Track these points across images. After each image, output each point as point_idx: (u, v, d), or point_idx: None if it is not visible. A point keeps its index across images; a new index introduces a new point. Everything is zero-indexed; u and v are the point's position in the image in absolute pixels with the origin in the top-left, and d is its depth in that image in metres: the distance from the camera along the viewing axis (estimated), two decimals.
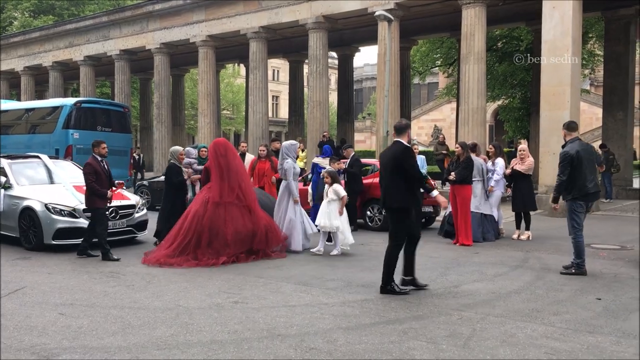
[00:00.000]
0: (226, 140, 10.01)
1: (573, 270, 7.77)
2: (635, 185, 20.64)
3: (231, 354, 4.74)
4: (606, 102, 20.28)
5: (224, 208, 8.88)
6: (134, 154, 22.91)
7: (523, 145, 11.90)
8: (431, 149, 31.39)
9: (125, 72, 28.09)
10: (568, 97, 15.22)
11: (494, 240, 10.70)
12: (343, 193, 9.38)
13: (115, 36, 27.48)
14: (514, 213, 11.47)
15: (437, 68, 32.26)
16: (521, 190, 10.99)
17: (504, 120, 30.34)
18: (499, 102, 31.10)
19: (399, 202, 6.64)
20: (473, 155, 10.82)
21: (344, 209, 9.47)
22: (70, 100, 18.50)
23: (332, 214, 9.27)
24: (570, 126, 8.13)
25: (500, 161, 11.20)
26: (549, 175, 15.55)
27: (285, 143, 10.47)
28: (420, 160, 11.49)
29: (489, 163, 11.26)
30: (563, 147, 8.04)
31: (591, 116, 41.75)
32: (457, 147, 10.91)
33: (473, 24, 17.11)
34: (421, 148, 16.75)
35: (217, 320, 5.63)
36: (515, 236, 11.09)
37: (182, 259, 8.45)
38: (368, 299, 6.45)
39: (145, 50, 26.54)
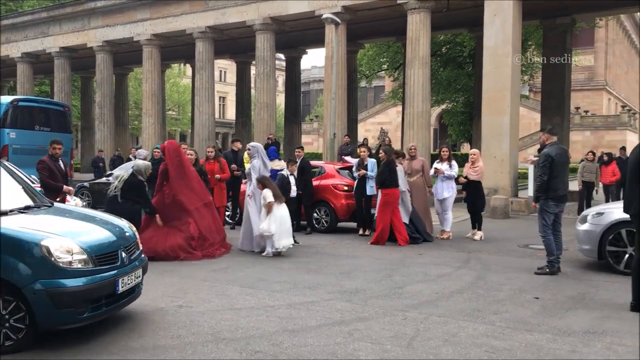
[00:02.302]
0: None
1: (547, 270, 8.00)
2: (573, 187, 21.45)
3: (174, 358, 4.66)
4: (544, 107, 21.05)
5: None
6: (116, 154, 22.60)
7: (474, 149, 12.37)
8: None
9: (66, 70, 27.23)
10: (508, 102, 15.72)
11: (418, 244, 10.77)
12: (270, 199, 9.36)
13: (55, 33, 26.61)
14: (467, 214, 11.94)
15: (383, 72, 32.69)
16: (473, 192, 11.41)
17: (448, 124, 31.05)
18: (443, 106, 31.81)
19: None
20: (351, 158, 11.43)
21: (287, 211, 9.56)
22: (6, 99, 17.75)
23: (264, 217, 9.36)
24: (552, 131, 8.50)
25: (455, 164, 11.51)
26: (489, 179, 15.97)
27: (254, 144, 10.69)
28: (371, 163, 11.62)
29: (445, 165, 11.46)
30: (540, 150, 8.43)
31: (530, 121, 43.21)
32: (381, 153, 11.41)
33: (418, 29, 17.43)
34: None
35: (160, 325, 5.52)
36: (469, 235, 11.50)
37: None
38: (314, 301, 6.46)
39: (87, 48, 25.81)
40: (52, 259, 4.76)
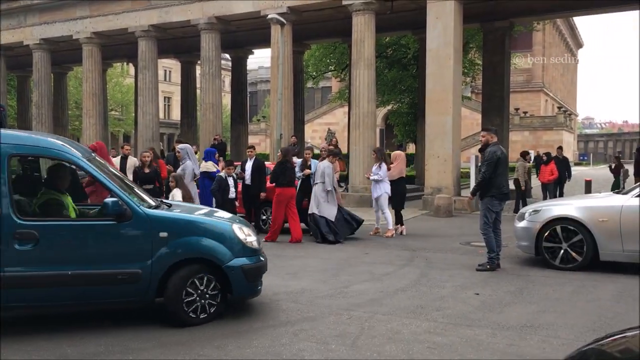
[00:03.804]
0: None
1: (488, 266, 8.23)
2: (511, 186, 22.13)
3: None
4: (485, 108, 21.64)
5: None
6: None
7: (395, 152, 12.95)
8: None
9: (1, 69, 26.16)
10: (450, 103, 16.09)
11: (342, 242, 10.96)
12: (178, 198, 9.30)
13: None
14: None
15: (330, 73, 32.87)
16: (394, 192, 11.98)
17: (394, 125, 31.48)
18: (389, 107, 32.23)
19: None
20: (317, 161, 11.95)
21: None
22: None
23: None
24: (496, 132, 8.86)
25: (384, 166, 11.89)
26: (433, 178, 16.36)
27: (182, 145, 10.66)
28: (314, 164, 11.80)
29: (375, 166, 11.96)
30: (482, 149, 8.66)
31: (472, 121, 44.37)
32: (279, 152, 12.04)
33: (363, 30, 17.61)
34: (316, 152, 16.97)
35: (102, 331, 5.38)
36: (398, 231, 12.04)
37: None
38: (260, 302, 6.44)
39: (24, 46, 24.88)
40: (241, 240, 5.80)
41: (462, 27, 17.01)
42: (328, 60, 30.04)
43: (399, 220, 12.20)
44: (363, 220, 11.77)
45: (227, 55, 28.62)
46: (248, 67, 29.30)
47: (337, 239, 10.86)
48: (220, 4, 20.16)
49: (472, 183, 16.73)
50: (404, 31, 23.38)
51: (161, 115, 27.73)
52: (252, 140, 38.69)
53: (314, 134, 52.40)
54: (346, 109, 32.03)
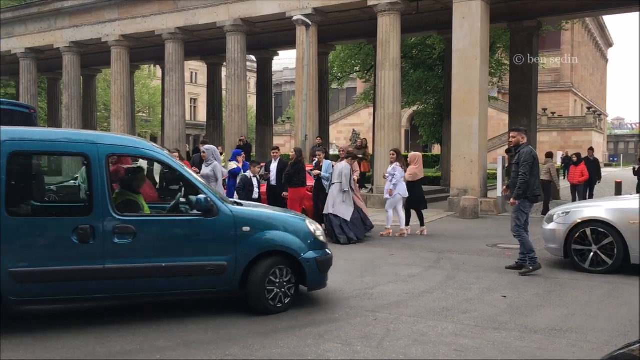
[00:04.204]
0: None
1: (531, 267, 8.03)
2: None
3: None
4: (512, 109, 21.36)
5: None
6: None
7: (413, 153, 13.05)
8: None
9: (32, 72, 26.71)
10: (477, 104, 15.93)
11: (355, 242, 10.99)
12: None
13: (20, 33, 26.06)
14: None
15: (355, 74, 32.85)
16: (411, 193, 11.99)
17: (419, 125, 31.30)
18: (414, 108, 32.07)
19: None
20: (329, 162, 12.08)
21: None
22: None
23: None
24: (526, 132, 8.66)
25: (398, 168, 11.89)
26: (459, 179, 16.20)
27: (208, 146, 10.89)
28: (326, 164, 11.87)
29: (390, 167, 11.96)
30: (509, 150, 8.52)
31: (499, 122, 43.90)
32: (292, 152, 12.22)
33: (388, 31, 17.54)
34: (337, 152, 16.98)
35: (128, 329, 5.44)
36: (417, 232, 12.06)
37: None
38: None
39: (54, 49, 25.33)
40: (314, 234, 6.32)
41: (488, 27, 16.83)
42: (353, 62, 30.00)
43: (420, 221, 12.18)
44: (373, 227, 11.85)
45: (253, 57, 28.74)
46: (273, 69, 29.41)
47: (349, 241, 10.88)
48: (246, 6, 20.28)
49: (499, 185, 16.54)
50: (429, 31, 23.21)
51: (187, 116, 28.01)
52: (277, 141, 38.87)
53: (339, 135, 52.39)
54: (371, 109, 31.94)
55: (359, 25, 21.29)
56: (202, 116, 55.49)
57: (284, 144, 53.60)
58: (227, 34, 20.85)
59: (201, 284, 5.89)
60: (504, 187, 9.86)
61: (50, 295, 5.50)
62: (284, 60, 67.09)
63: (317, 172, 12.00)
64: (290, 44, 22.02)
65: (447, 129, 19.83)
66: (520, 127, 9.35)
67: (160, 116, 34.37)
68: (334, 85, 35.01)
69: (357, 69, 31.09)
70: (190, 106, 59.27)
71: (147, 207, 6.18)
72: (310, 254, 6.18)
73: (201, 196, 5.78)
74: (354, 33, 23.08)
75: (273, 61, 28.22)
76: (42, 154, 5.74)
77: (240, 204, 6.59)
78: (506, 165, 17.45)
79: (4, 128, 5.38)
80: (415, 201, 12.20)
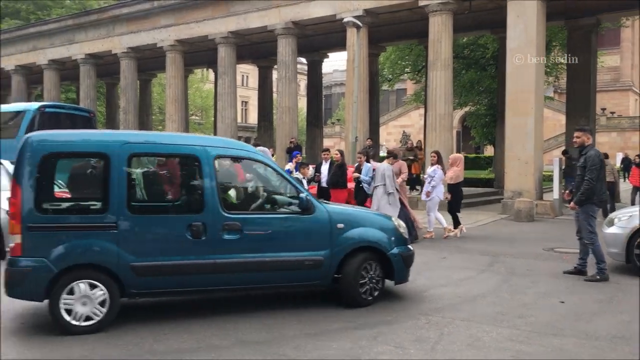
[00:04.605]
0: None
1: (598, 277, 7.70)
2: None
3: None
4: (569, 109, 20.76)
5: None
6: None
7: (454, 154, 12.93)
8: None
9: (91, 77, 27.66)
10: (532, 104, 15.55)
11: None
12: None
13: (80, 40, 27.04)
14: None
15: (405, 75, 32.60)
16: (453, 195, 11.90)
17: (471, 127, 30.79)
18: (466, 109, 31.58)
19: None
20: (376, 162, 12.04)
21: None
22: (33, 105, 18.06)
23: None
24: (591, 132, 8.29)
25: (439, 170, 11.78)
26: (513, 181, 15.85)
27: (262, 148, 11.05)
28: (366, 168, 11.78)
29: (430, 169, 11.82)
30: (578, 151, 8.16)
31: (555, 122, 42.70)
32: (336, 154, 12.34)
33: (440, 31, 17.34)
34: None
35: (184, 327, 5.57)
36: (452, 233, 11.87)
37: None
38: (336, 304, 6.46)
39: (112, 55, 26.18)
40: (399, 230, 6.74)
41: (544, 26, 16.41)
42: (404, 63, 29.77)
43: (456, 223, 12.02)
44: (418, 238, 11.40)
45: (303, 59, 28.94)
46: (323, 71, 29.51)
47: None
48: (296, 9, 20.43)
49: (556, 187, 16.09)
50: (482, 31, 22.83)
51: (239, 119, 28.46)
52: (326, 143, 38.94)
53: (389, 136, 52.07)
54: (421, 111, 31.63)
55: (410, 25, 21.13)
56: (252, 118, 56.22)
57: (334, 145, 53.63)
58: (278, 37, 21.06)
59: (300, 277, 6.27)
60: (566, 190, 9.52)
61: (166, 288, 5.87)
62: (334, 62, 67.14)
63: (356, 174, 11.91)
64: (340, 45, 22.06)
65: (501, 130, 19.43)
66: (585, 126, 8.79)
67: (213, 119, 35.04)
68: (384, 87, 34.83)
69: (407, 69, 30.84)
70: (242, 109, 60.14)
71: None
72: (397, 250, 6.56)
73: (302, 195, 6.22)
74: (404, 34, 22.93)
75: (323, 63, 28.33)
76: (158, 156, 6.13)
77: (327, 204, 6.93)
78: (563, 166, 16.95)
79: (125, 131, 5.85)
80: (458, 204, 12.04)
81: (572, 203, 7.98)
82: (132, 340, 5.20)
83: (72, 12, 33.65)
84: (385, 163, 11.41)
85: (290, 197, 6.35)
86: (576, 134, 8.14)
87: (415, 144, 20.84)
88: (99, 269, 5.49)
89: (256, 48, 25.42)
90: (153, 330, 5.47)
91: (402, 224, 7.01)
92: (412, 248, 6.91)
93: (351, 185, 12.22)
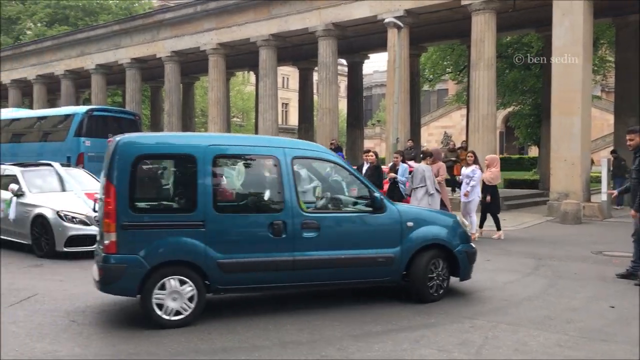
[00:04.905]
0: None
1: None
2: None
3: None
4: (617, 108, 20.16)
5: None
6: None
7: (491, 155, 12.70)
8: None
9: (136, 81, 28.27)
10: (579, 104, 15.16)
11: None
12: None
13: (126, 45, 27.68)
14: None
15: (447, 75, 32.25)
16: (493, 197, 11.70)
17: (515, 127, 30.25)
18: (510, 109, 31.03)
19: None
20: (415, 163, 12.00)
21: None
22: (81, 109, 18.60)
23: None
24: None
25: (478, 170, 11.59)
26: (559, 182, 15.47)
27: None
28: (403, 168, 11.69)
29: (469, 169, 11.59)
30: (614, 151, 7.89)
31: (602, 122, 41.48)
32: (371, 155, 12.30)
33: (483, 30, 17.08)
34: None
35: (228, 327, 5.63)
36: (494, 236, 11.77)
37: None
38: (379, 306, 6.43)
39: (156, 59, 26.71)
40: (463, 229, 7.09)
41: (591, 23, 15.97)
42: (445, 63, 29.46)
43: (498, 225, 11.82)
44: None
45: (343, 61, 28.93)
46: (363, 72, 29.44)
47: None
48: (337, 11, 20.45)
49: (604, 188, 15.61)
50: (526, 29, 22.40)
51: (279, 120, 28.61)
52: (367, 144, 38.78)
53: (430, 137, 51.51)
54: (463, 111, 31.24)
55: (452, 25, 20.89)
56: (293, 120, 56.52)
57: (374, 146, 53.34)
58: (318, 39, 21.11)
59: (373, 274, 6.51)
60: (614, 191, 9.20)
61: (249, 284, 6.11)
62: (374, 63, 66.90)
63: (392, 175, 11.86)
64: (381, 46, 21.97)
65: (546, 130, 19.01)
66: (637, 127, 8.41)
67: (254, 121, 35.38)
68: (425, 87, 34.53)
69: (449, 69, 30.50)
70: (282, 110, 60.50)
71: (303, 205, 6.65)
72: (462, 247, 6.81)
73: (375, 194, 6.49)
74: (446, 33, 22.69)
75: (364, 64, 28.25)
76: (240, 158, 6.34)
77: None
78: (611, 168, 16.46)
79: (210, 134, 6.12)
80: (495, 205, 11.82)
81: (632, 211, 7.67)
82: (177, 339, 5.29)
83: (119, 17, 34.53)
84: (423, 164, 11.25)
85: (363, 196, 6.60)
86: (629, 135, 7.87)
87: (460, 144, 20.57)
88: (188, 265, 5.74)
89: (297, 50, 25.55)
90: (198, 330, 5.55)
91: (465, 222, 7.21)
92: (474, 246, 7.08)
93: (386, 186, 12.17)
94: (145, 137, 6.46)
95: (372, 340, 5.27)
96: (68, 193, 10.64)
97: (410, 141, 18.62)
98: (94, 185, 11.43)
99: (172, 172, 6.22)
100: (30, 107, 31.69)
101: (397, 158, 12.45)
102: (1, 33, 41.19)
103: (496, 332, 5.48)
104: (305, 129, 28.49)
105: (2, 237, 10.67)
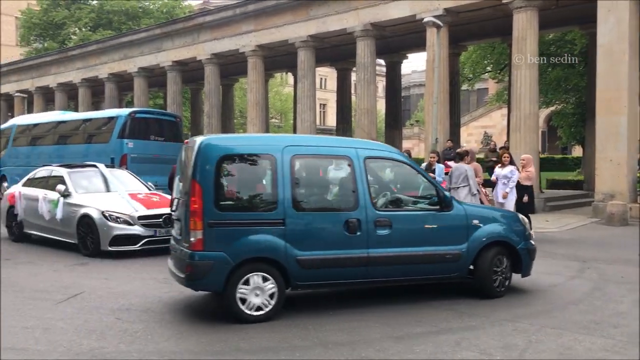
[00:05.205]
0: None
1: None
2: None
3: None
4: None
5: None
6: None
7: (525, 155, 12.46)
8: (482, 155, 30.89)
9: (177, 83, 28.74)
10: (625, 102, 14.73)
11: None
12: None
13: (167, 48, 28.18)
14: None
15: (487, 74, 31.75)
16: (530, 197, 11.44)
17: (557, 126, 29.59)
18: (552, 108, 30.36)
19: None
20: (454, 163, 11.62)
21: None
22: (125, 111, 18.99)
23: None
24: None
25: (515, 170, 11.42)
26: (605, 183, 15.07)
27: None
28: (439, 169, 11.57)
29: (506, 169, 11.39)
30: None
31: None
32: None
33: (525, 28, 16.76)
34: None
35: (268, 327, 5.67)
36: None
37: None
38: (417, 307, 6.38)
39: (196, 61, 27.10)
40: (525, 226, 7.25)
41: (638, 19, 15.49)
42: (485, 61, 29.01)
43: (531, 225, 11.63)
44: None
45: (381, 61, 28.81)
46: (401, 72, 29.25)
47: None
48: (375, 11, 20.37)
49: None
50: (569, 26, 21.88)
51: (317, 121, 28.68)
52: (405, 144, 38.59)
53: (470, 137, 50.80)
54: (504, 110, 30.70)
55: (492, 23, 20.56)
56: (330, 121, 56.58)
57: (413, 147, 52.96)
58: (356, 39, 21.07)
59: (441, 270, 6.71)
60: None
61: (325, 280, 6.34)
62: (412, 63, 66.54)
63: (431, 175, 11.73)
64: (419, 46, 21.77)
65: (591, 129, 18.52)
66: None
67: (292, 122, 35.56)
68: (464, 86, 34.07)
69: (489, 68, 30.03)
70: (320, 111, 60.60)
71: None
72: (524, 244, 7.00)
73: (443, 193, 6.78)
74: (486, 32, 22.35)
75: (402, 64, 28.07)
76: (316, 157, 6.59)
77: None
78: None
79: (286, 135, 6.45)
80: (531, 206, 11.59)
81: None
82: (217, 337, 5.36)
83: (160, 21, 35.18)
84: (463, 164, 11.12)
85: (431, 195, 6.82)
86: None
87: (503, 144, 20.22)
88: (269, 262, 5.96)
89: (335, 51, 25.55)
90: (238, 330, 5.61)
91: (525, 219, 7.40)
92: (534, 243, 7.24)
93: None
94: (226, 139, 6.85)
95: (412, 342, 5.24)
96: (112, 193, 10.90)
97: (449, 141, 18.41)
98: (137, 186, 11.71)
99: (253, 172, 6.44)
100: (76, 109, 32.56)
101: (433, 158, 12.41)
102: (48, 38, 42.56)
103: (540, 336, 5.38)
104: (344, 129, 28.46)
105: (49, 236, 11.01)
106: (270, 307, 5.90)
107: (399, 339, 5.33)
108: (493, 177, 11.74)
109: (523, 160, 11.90)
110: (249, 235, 5.89)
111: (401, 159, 7.03)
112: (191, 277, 5.86)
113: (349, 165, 6.39)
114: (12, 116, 33.24)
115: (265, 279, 5.89)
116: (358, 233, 6.19)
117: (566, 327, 5.64)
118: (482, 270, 6.72)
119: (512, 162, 11.62)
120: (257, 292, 5.87)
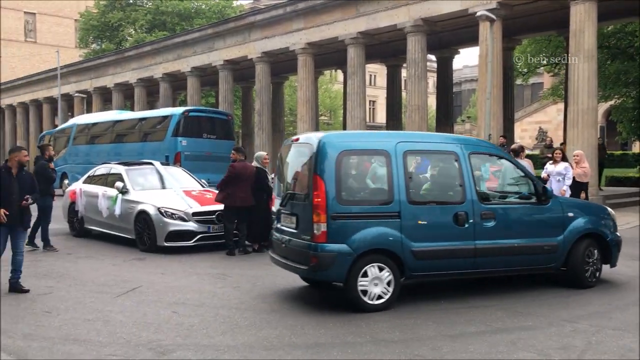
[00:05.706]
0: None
1: None
2: None
3: (335, 357, 4.80)
4: None
5: None
6: None
7: (578, 151, 12.16)
8: (536, 152, 30.11)
9: (229, 82, 29.16)
10: None
11: None
12: None
13: (219, 47, 28.62)
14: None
15: (542, 67, 30.88)
16: (576, 193, 11.12)
17: (617, 121, 28.54)
18: (612, 102, 29.29)
19: None
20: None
21: None
22: (178, 110, 19.44)
23: None
24: None
25: (569, 167, 11.17)
26: None
27: None
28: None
29: (560, 167, 11.10)
30: None
31: None
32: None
33: (582, 20, 16.22)
34: (526, 152, 16.09)
35: (320, 323, 5.71)
36: None
37: None
38: (470, 306, 6.29)
39: (247, 60, 27.43)
40: (613, 219, 7.50)
41: None
42: (541, 55, 28.20)
43: None
44: None
45: (432, 57, 28.43)
46: (452, 67, 28.80)
47: None
48: (426, 6, 20.11)
49: None
50: (630, 18, 21.03)
51: (367, 118, 28.55)
52: None
53: (523, 133, 49.57)
54: (560, 105, 29.85)
55: (548, 16, 19.99)
56: (379, 117, 56.33)
57: None
58: (407, 35, 20.86)
59: (540, 261, 6.95)
60: None
61: (437, 270, 6.62)
62: (463, 58, 65.32)
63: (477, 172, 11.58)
64: (471, 40, 21.39)
65: None
66: None
67: (341, 119, 35.52)
68: (518, 81, 33.26)
69: (544, 62, 29.21)
70: (369, 108, 60.38)
71: None
72: (613, 236, 7.29)
73: (541, 187, 7.02)
74: (541, 25, 21.74)
75: (454, 59, 27.64)
76: (425, 153, 6.91)
77: None
78: None
79: (398, 132, 6.96)
80: None
81: None
82: (271, 333, 5.42)
83: (212, 21, 35.77)
84: (521, 160, 10.92)
85: (530, 188, 7.05)
86: None
87: (550, 141, 19.68)
88: (387, 253, 6.22)
89: (384, 47, 25.38)
90: (291, 326, 5.67)
91: (613, 212, 7.60)
92: (620, 235, 7.52)
93: None
94: (343, 135, 7.37)
95: (467, 340, 5.17)
96: (168, 190, 11.17)
97: (502, 138, 18.02)
98: (191, 183, 11.96)
99: (370, 167, 6.74)
100: (132, 109, 33.51)
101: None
102: (105, 40, 43.95)
103: (600, 337, 5.22)
104: (394, 126, 28.24)
105: (108, 231, 11.39)
106: (389, 294, 6.14)
107: (453, 337, 5.27)
108: (544, 174, 11.43)
109: (577, 156, 11.64)
110: (370, 228, 6.13)
111: (502, 154, 7.36)
112: (317, 267, 6.07)
113: (456, 160, 6.63)
114: (72, 116, 34.56)
115: (381, 269, 6.13)
116: (466, 225, 6.44)
117: (627, 329, 5.46)
118: (575, 262, 6.92)
119: (564, 159, 11.34)
120: (376, 281, 6.10)
